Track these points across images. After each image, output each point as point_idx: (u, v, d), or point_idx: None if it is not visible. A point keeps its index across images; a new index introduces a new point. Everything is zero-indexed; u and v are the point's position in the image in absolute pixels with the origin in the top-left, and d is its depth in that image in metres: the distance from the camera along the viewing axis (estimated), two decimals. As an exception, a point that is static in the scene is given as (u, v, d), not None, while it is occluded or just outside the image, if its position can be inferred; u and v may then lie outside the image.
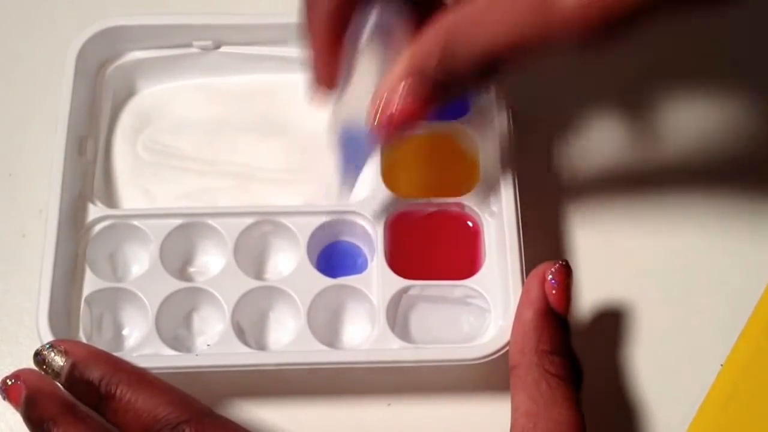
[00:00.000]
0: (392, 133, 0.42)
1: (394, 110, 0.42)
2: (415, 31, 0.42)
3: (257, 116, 0.55)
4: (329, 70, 0.45)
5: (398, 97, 0.41)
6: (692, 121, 0.55)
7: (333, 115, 0.44)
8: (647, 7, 0.36)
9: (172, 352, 0.47)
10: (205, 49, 0.55)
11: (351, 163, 0.47)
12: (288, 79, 0.56)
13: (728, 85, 0.56)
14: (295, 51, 0.55)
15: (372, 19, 0.42)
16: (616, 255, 0.52)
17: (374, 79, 0.43)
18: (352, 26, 0.42)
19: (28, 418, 0.42)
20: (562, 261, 0.44)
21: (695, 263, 0.52)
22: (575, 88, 0.56)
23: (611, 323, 0.50)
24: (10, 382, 0.43)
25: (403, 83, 0.41)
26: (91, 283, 0.49)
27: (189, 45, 0.55)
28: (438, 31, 0.40)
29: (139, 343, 0.47)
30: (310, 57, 0.46)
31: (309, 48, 0.46)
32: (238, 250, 0.49)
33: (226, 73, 0.56)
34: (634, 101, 0.56)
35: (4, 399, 0.43)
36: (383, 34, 0.42)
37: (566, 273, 0.44)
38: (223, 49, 0.55)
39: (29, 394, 0.42)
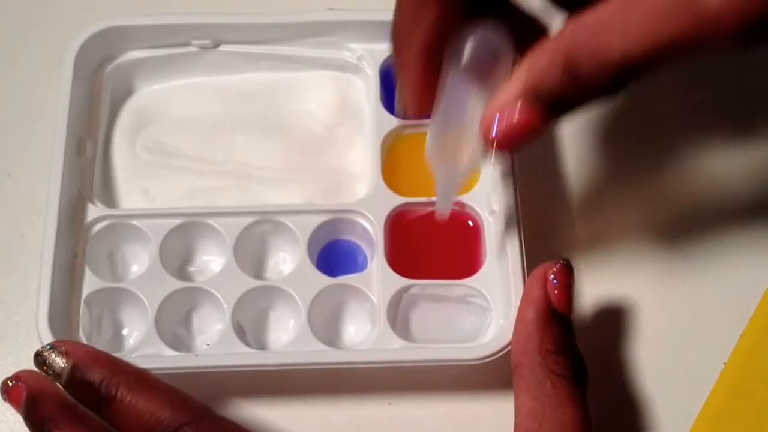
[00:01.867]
0: (509, 150, 0.40)
1: (509, 130, 0.39)
2: (520, 53, 0.40)
3: (256, 115, 0.55)
4: (422, 101, 0.43)
5: (514, 117, 0.39)
6: (692, 119, 0.55)
7: (430, 140, 0.43)
8: None
9: (172, 352, 0.47)
10: (203, 48, 0.55)
11: (448, 189, 0.46)
12: (287, 77, 0.56)
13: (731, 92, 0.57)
14: (295, 50, 0.55)
15: (471, 45, 0.40)
16: (618, 253, 0.52)
17: (478, 106, 0.41)
18: (449, 51, 0.41)
19: (29, 420, 0.42)
20: (564, 260, 0.44)
21: (698, 262, 0.52)
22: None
23: (615, 322, 0.50)
24: (10, 384, 0.43)
25: (519, 103, 0.39)
26: (90, 283, 0.49)
27: (187, 44, 0.55)
28: (558, 45, 0.37)
29: (139, 342, 0.48)
30: (402, 84, 0.45)
31: (401, 76, 0.44)
32: (237, 250, 0.49)
33: (225, 72, 0.56)
34: (634, 100, 0.56)
35: (4, 400, 0.43)
36: (484, 58, 0.40)
37: (568, 272, 0.44)
38: (222, 48, 0.55)
39: (30, 396, 0.42)
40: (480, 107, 0.41)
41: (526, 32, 0.42)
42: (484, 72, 0.40)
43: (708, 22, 0.34)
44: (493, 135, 0.39)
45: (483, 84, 0.41)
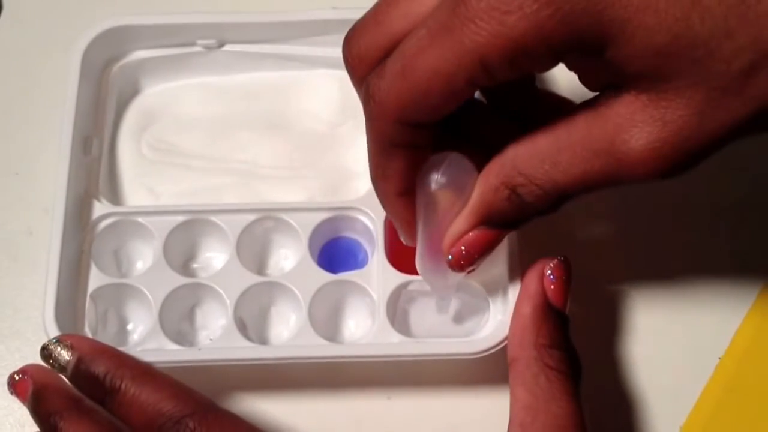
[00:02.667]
0: (468, 267, 0.44)
1: (465, 254, 0.43)
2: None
3: (260, 114, 0.56)
4: (410, 234, 0.46)
5: (469, 243, 0.43)
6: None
7: (418, 257, 0.45)
8: (724, 136, 0.36)
9: (176, 347, 0.48)
10: (208, 47, 0.55)
11: (442, 297, 0.48)
12: (291, 76, 0.56)
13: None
14: (298, 48, 0.56)
15: (438, 177, 0.43)
16: (614, 249, 0.52)
17: (447, 224, 0.44)
18: (419, 178, 0.43)
19: (35, 412, 0.43)
20: (561, 257, 0.45)
21: (693, 258, 0.52)
22: (575, 83, 0.56)
23: (610, 317, 0.51)
24: (17, 377, 0.44)
25: (474, 232, 0.43)
26: (96, 279, 0.49)
27: (193, 44, 0.55)
28: (500, 175, 0.41)
29: (143, 337, 0.48)
30: (394, 222, 0.47)
31: (387, 212, 0.46)
32: (240, 246, 0.50)
33: (230, 72, 0.56)
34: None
35: (11, 394, 0.44)
36: (453, 180, 0.43)
37: (564, 268, 0.44)
38: (227, 47, 0.56)
39: (36, 389, 0.43)
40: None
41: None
42: (454, 193, 0.43)
43: (627, 167, 0.38)
44: (454, 259, 0.43)
45: (455, 203, 0.43)
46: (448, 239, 0.43)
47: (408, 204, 0.44)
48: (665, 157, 0.37)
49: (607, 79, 0.38)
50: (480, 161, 0.42)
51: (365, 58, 0.42)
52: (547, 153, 0.39)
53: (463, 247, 0.43)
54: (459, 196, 0.43)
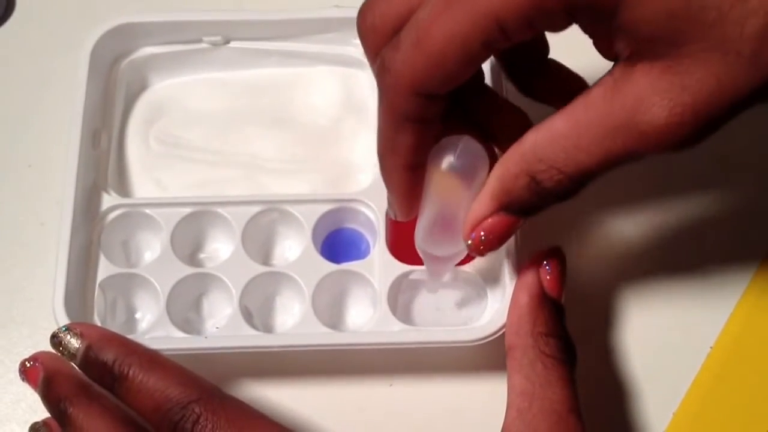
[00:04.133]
0: (486, 252, 0.44)
1: (485, 239, 0.43)
2: (494, 161, 0.43)
3: (265, 109, 0.56)
4: (408, 209, 0.46)
5: (488, 228, 0.43)
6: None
7: (419, 233, 0.46)
8: (745, 98, 0.36)
9: (183, 335, 0.48)
10: (214, 44, 0.56)
11: (438, 273, 0.49)
12: (294, 73, 0.57)
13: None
14: (302, 46, 0.56)
15: (452, 160, 0.43)
16: (610, 240, 0.53)
17: (461, 207, 0.44)
18: (432, 156, 0.43)
19: (46, 398, 0.44)
20: (557, 248, 0.45)
21: (687, 249, 0.53)
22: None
23: (605, 306, 0.51)
24: (28, 364, 0.44)
25: (494, 218, 0.42)
26: (104, 269, 0.50)
27: (199, 41, 0.56)
28: (521, 161, 0.41)
29: (151, 326, 0.49)
30: (389, 195, 0.47)
31: (387, 189, 0.47)
32: (245, 237, 0.51)
33: (235, 68, 0.57)
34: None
35: (23, 380, 0.45)
36: (466, 164, 0.43)
37: (560, 259, 0.45)
38: (232, 44, 0.56)
39: (47, 376, 0.44)
40: (463, 207, 0.44)
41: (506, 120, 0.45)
42: (467, 175, 0.43)
43: (651, 138, 0.37)
44: (473, 244, 0.43)
45: (466, 186, 0.44)
46: (468, 225, 0.43)
47: (411, 180, 0.45)
48: (687, 124, 0.36)
49: (621, 45, 0.37)
50: (488, 148, 0.43)
51: (379, 29, 0.42)
52: (567, 136, 0.39)
53: (482, 233, 0.43)
54: (470, 180, 0.43)
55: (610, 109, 0.38)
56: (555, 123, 0.39)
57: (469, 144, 0.43)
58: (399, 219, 0.47)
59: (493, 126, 0.47)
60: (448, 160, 0.43)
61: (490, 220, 0.42)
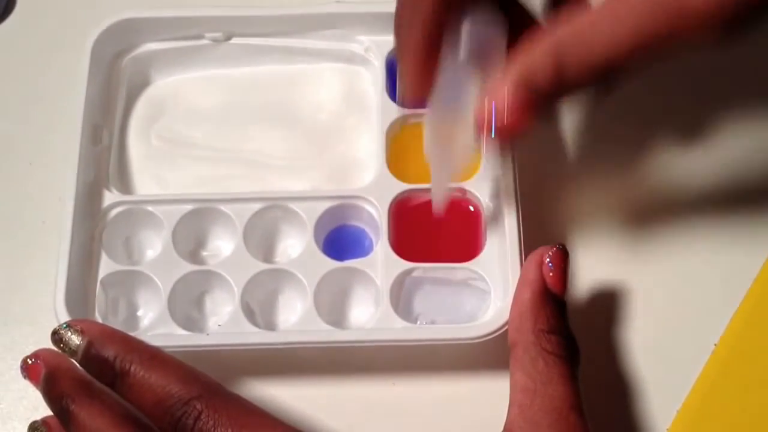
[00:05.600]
0: (501, 142, 0.43)
1: (503, 122, 0.41)
2: (513, 46, 0.42)
3: (267, 106, 0.56)
4: (420, 87, 0.45)
5: (506, 109, 0.41)
6: (689, 109, 0.56)
7: (428, 131, 0.45)
8: None
9: (185, 332, 0.48)
10: (216, 40, 0.56)
11: (443, 178, 0.48)
12: (296, 69, 0.57)
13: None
14: (304, 42, 0.56)
15: (469, 33, 0.42)
16: (612, 238, 0.53)
17: (473, 94, 0.43)
18: (447, 38, 0.42)
19: (47, 395, 0.43)
20: (559, 245, 0.45)
21: (691, 246, 0.53)
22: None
23: (608, 303, 0.51)
24: (30, 361, 0.44)
25: (511, 96, 0.41)
26: (106, 266, 0.50)
27: (201, 37, 0.56)
28: (548, 43, 0.40)
29: (153, 324, 0.49)
30: (401, 72, 0.46)
31: (401, 64, 0.46)
32: (247, 234, 0.51)
33: (237, 64, 0.57)
34: (635, 93, 0.57)
35: (25, 377, 0.45)
36: (481, 46, 0.42)
37: (563, 256, 0.45)
38: (234, 40, 0.56)
39: (48, 373, 0.44)
40: (475, 95, 0.43)
41: (517, 21, 0.44)
42: (481, 59, 0.42)
43: (692, 17, 0.37)
44: (486, 124, 0.42)
45: (479, 71, 0.42)
46: (488, 94, 0.42)
47: (429, 52, 0.43)
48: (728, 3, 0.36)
49: None
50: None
51: None
52: (603, 19, 0.38)
53: (503, 111, 0.41)
54: (483, 69, 0.42)
55: None
56: (592, 10, 0.39)
57: (483, 23, 0.41)
58: (408, 99, 0.47)
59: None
60: (460, 42, 0.42)
61: (510, 98, 0.41)
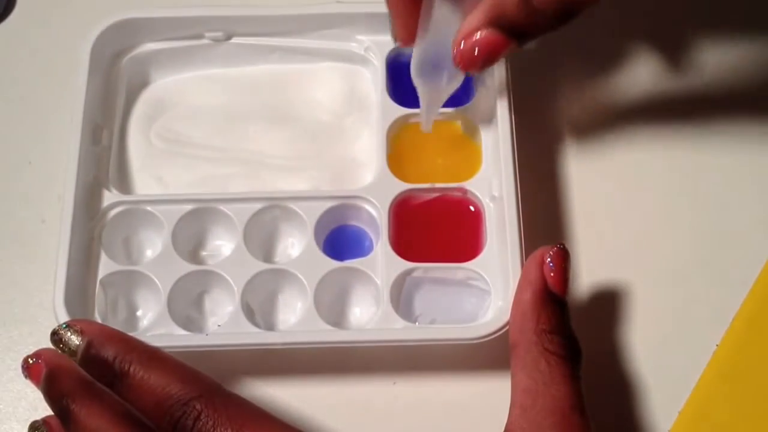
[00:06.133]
0: (475, 70, 0.46)
1: (476, 53, 0.44)
2: None
3: (267, 105, 0.56)
4: (407, 29, 0.48)
5: (479, 43, 0.44)
6: (688, 106, 0.56)
7: (414, 60, 0.48)
8: None
9: (184, 332, 0.48)
10: (216, 40, 0.56)
11: (432, 104, 0.50)
12: (296, 69, 0.57)
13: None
14: (304, 42, 0.56)
15: None
16: (614, 238, 0.53)
17: (452, 26, 0.46)
18: None
19: (48, 395, 0.43)
20: (560, 245, 0.45)
21: (692, 248, 0.53)
22: (574, 79, 0.57)
23: (610, 304, 0.51)
24: (31, 361, 0.44)
25: (483, 31, 0.44)
26: (106, 266, 0.50)
27: (201, 36, 0.56)
28: None
29: (152, 323, 0.49)
30: (390, 13, 0.49)
31: (388, 6, 0.49)
32: (247, 234, 0.50)
33: (237, 64, 0.57)
34: (634, 91, 0.57)
35: (25, 377, 0.44)
36: None
37: (564, 256, 0.45)
38: (234, 40, 0.56)
39: (48, 373, 0.43)
40: (456, 28, 0.45)
41: None
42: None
43: None
44: (460, 54, 0.45)
45: (459, 6, 0.45)
46: (459, 34, 0.45)
47: (407, 2, 0.47)
48: None
49: None
50: None
51: None
52: None
53: (470, 45, 0.44)
54: (464, 4, 0.45)
55: None
56: None
57: None
58: (399, 42, 0.49)
59: None
60: None
61: (479, 33, 0.44)
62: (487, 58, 0.45)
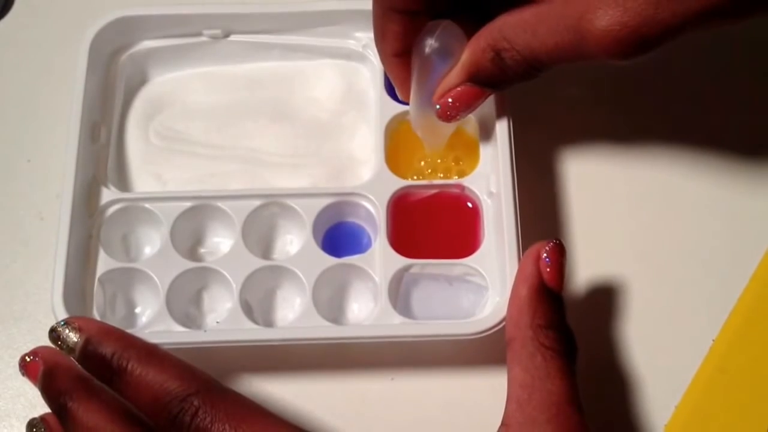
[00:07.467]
0: (453, 117, 0.49)
1: (452, 104, 0.49)
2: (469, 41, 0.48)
3: (265, 103, 0.56)
4: (405, 88, 0.51)
5: (456, 95, 0.49)
6: (688, 104, 0.56)
7: (411, 116, 0.52)
8: (676, 27, 0.42)
9: (183, 329, 0.48)
10: (214, 38, 0.56)
11: (434, 146, 0.53)
12: (295, 66, 0.57)
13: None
14: (302, 39, 0.56)
15: (432, 42, 0.48)
16: (610, 233, 0.53)
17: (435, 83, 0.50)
18: (416, 44, 0.49)
19: (46, 393, 0.44)
20: (556, 240, 0.45)
21: (688, 242, 0.53)
22: (574, 79, 0.57)
23: (607, 299, 0.51)
24: (28, 359, 0.44)
25: (460, 87, 0.48)
26: (104, 264, 0.50)
27: (199, 34, 0.56)
28: (489, 38, 0.47)
29: (151, 320, 0.49)
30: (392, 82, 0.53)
31: (389, 75, 0.52)
32: (246, 231, 0.51)
33: (235, 61, 0.57)
34: (633, 90, 0.57)
35: (23, 375, 0.45)
36: (445, 45, 0.48)
37: (560, 251, 0.45)
38: (232, 37, 0.56)
39: (46, 370, 0.44)
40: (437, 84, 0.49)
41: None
42: (445, 55, 0.48)
43: (590, 44, 0.43)
44: (441, 109, 0.49)
45: (445, 66, 0.49)
46: (438, 91, 0.49)
47: (402, 64, 0.50)
48: (623, 40, 0.42)
49: None
50: (472, 29, 0.48)
51: None
52: (529, 24, 0.45)
53: (450, 99, 0.49)
54: (449, 60, 0.48)
55: (565, 10, 0.44)
56: (524, 11, 0.45)
57: (448, 28, 0.48)
58: (401, 98, 0.53)
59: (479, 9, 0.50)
60: (428, 44, 0.48)
61: (458, 88, 0.49)
62: (465, 108, 0.49)
